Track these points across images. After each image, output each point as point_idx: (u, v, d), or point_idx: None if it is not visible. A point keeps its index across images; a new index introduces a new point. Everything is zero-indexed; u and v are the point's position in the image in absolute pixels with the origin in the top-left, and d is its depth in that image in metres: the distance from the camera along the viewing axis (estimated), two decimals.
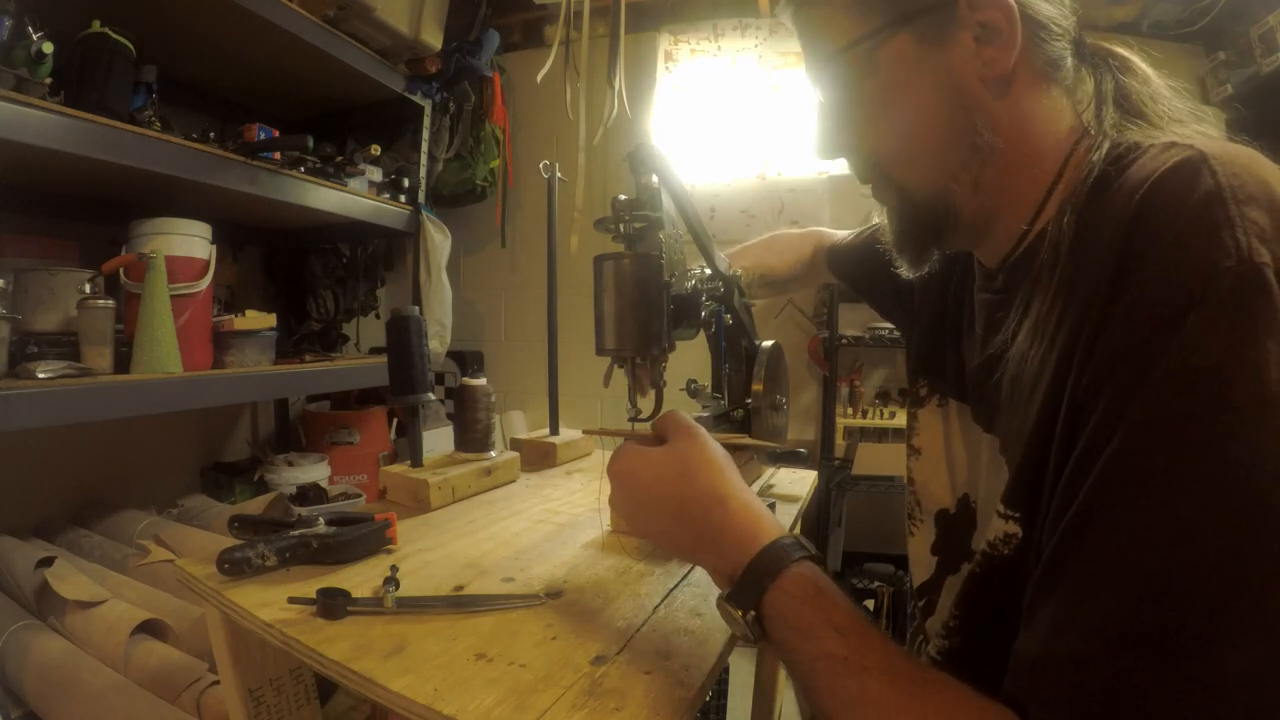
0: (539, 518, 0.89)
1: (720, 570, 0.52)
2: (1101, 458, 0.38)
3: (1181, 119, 0.51)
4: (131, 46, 1.40)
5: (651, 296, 0.68)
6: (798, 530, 1.03)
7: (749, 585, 0.48)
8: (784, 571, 0.47)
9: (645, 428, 0.66)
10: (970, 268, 0.66)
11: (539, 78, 1.94)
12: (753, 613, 0.47)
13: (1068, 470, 0.41)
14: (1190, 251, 0.38)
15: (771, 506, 0.89)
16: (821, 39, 0.56)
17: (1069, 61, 0.54)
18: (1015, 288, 0.54)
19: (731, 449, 0.60)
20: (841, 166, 2.57)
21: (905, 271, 0.61)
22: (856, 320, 2.30)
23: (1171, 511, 0.36)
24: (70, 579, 1.18)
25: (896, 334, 2.15)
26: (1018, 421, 0.50)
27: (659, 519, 0.56)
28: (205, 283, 1.54)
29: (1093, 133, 0.52)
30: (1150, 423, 0.37)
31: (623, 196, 0.71)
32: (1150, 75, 0.55)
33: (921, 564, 0.69)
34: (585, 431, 1.20)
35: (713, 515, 0.52)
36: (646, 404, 0.72)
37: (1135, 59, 0.56)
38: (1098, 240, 0.43)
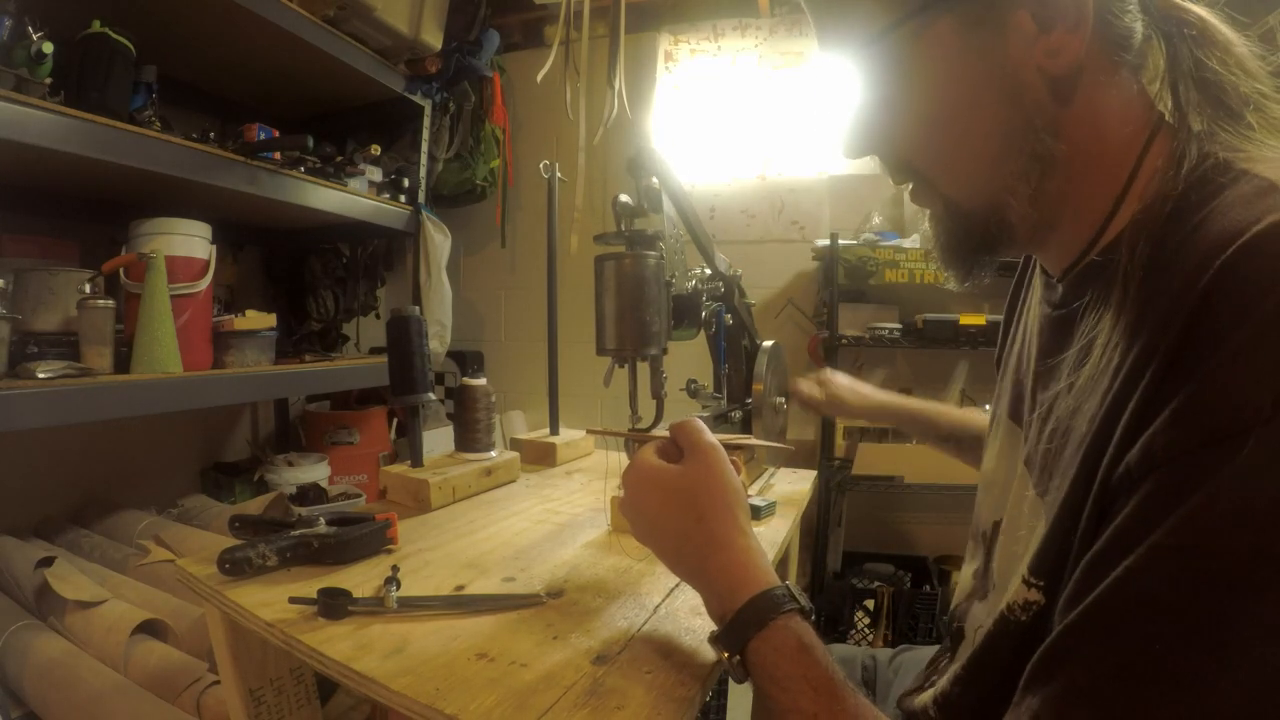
0: (539, 518, 0.89)
1: (711, 609, 0.53)
2: (1117, 568, 0.34)
3: (1273, 112, 0.42)
4: (131, 46, 1.39)
5: (651, 296, 0.68)
6: (797, 530, 1.03)
7: (735, 631, 0.48)
8: (769, 624, 0.47)
9: (659, 428, 0.65)
10: (1032, 269, 0.62)
11: (539, 78, 1.94)
12: (737, 657, 0.48)
13: (1085, 562, 0.37)
14: (1268, 354, 0.31)
15: (772, 506, 0.90)
16: (850, 25, 0.48)
17: (1139, 32, 0.44)
18: (1075, 304, 0.49)
19: (731, 449, 0.60)
20: (844, 167, 2.53)
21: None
22: (856, 320, 2.30)
23: (1161, 660, 0.32)
24: (70, 579, 1.18)
25: (896, 334, 2.15)
26: (1057, 482, 0.45)
27: (660, 545, 0.57)
28: (205, 283, 1.54)
29: (1171, 122, 0.44)
30: (1176, 551, 0.32)
31: (623, 197, 0.72)
32: (1232, 42, 0.44)
33: (965, 584, 0.66)
34: (588, 431, 1.20)
35: (710, 558, 0.53)
36: (647, 409, 0.72)
37: (1214, 21, 0.44)
38: (1165, 291, 0.36)
